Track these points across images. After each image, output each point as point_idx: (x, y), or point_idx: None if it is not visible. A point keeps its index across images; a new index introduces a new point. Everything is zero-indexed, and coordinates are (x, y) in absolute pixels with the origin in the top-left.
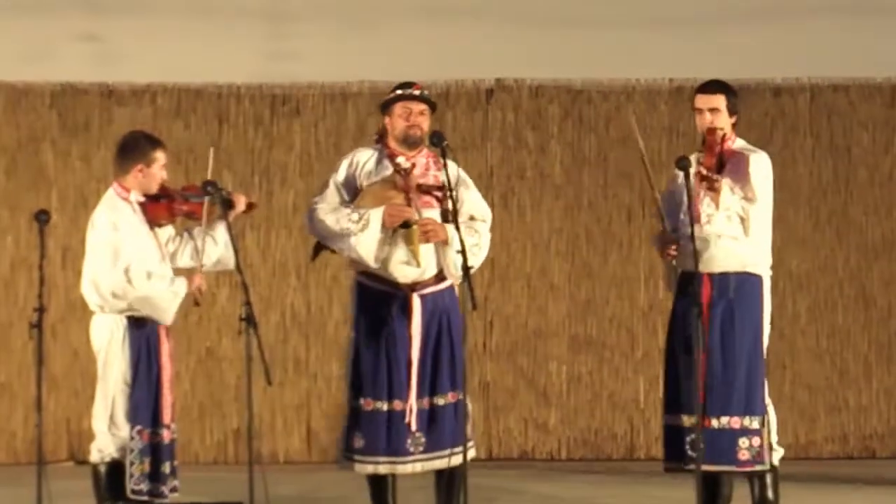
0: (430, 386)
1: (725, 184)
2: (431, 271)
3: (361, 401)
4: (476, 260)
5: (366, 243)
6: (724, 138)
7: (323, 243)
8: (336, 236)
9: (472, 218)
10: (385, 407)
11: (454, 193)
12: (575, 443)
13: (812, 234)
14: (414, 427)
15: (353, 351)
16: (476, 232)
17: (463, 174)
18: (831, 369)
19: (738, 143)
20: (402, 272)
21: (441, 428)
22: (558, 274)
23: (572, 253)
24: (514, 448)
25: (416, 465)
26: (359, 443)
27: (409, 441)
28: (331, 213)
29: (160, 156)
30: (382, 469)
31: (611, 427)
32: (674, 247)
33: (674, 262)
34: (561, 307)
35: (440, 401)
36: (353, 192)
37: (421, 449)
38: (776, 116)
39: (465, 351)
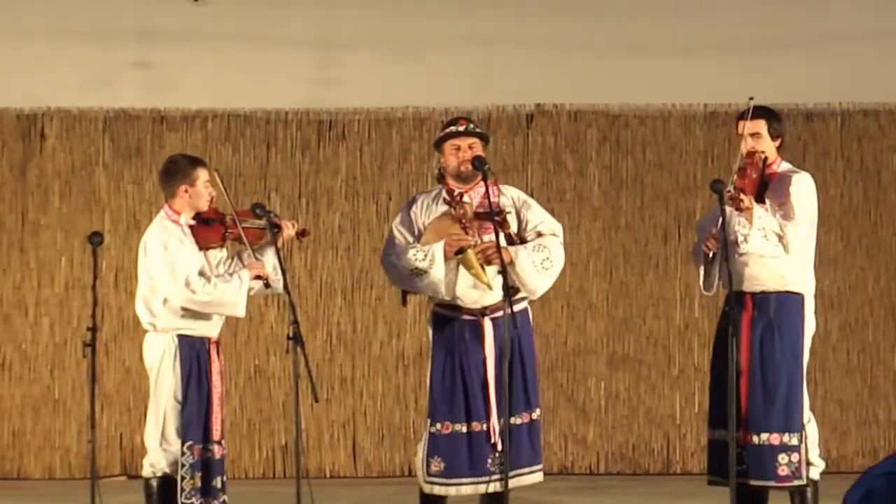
0: (507, 406)
1: (758, 204)
2: (500, 294)
3: (439, 425)
4: (550, 274)
5: (436, 277)
6: (766, 162)
7: (403, 288)
8: (409, 278)
9: (539, 234)
10: (464, 429)
11: (520, 214)
12: (613, 457)
13: (843, 255)
14: (499, 447)
15: (430, 379)
16: (545, 248)
17: (524, 195)
18: (862, 385)
19: (783, 167)
20: (472, 297)
21: (518, 446)
22: (597, 293)
23: (610, 273)
24: (555, 462)
25: (496, 485)
26: (438, 466)
27: (489, 461)
28: (399, 257)
29: (202, 173)
30: (465, 490)
31: (648, 442)
32: (713, 240)
33: (710, 253)
34: (599, 325)
35: (517, 420)
36: (415, 234)
37: (501, 468)
38: (808, 140)
39: (538, 370)
